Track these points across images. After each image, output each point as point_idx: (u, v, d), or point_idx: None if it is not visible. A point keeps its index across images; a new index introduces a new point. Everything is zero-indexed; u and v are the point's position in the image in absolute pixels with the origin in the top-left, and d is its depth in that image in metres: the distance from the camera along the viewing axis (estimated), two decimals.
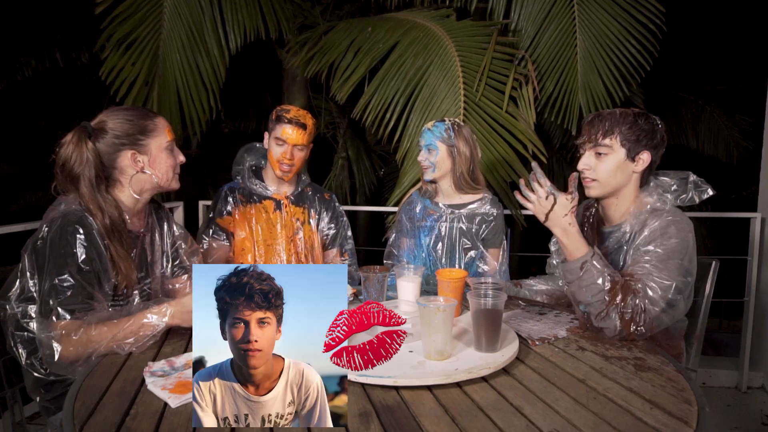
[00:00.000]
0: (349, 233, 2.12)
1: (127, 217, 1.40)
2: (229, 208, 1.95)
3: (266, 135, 1.98)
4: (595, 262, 1.29)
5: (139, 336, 1.21)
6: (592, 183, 1.45)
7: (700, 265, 1.49)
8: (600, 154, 1.43)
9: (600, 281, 1.27)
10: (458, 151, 1.92)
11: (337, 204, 2.10)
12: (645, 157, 1.42)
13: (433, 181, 2.00)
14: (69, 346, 1.17)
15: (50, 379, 1.31)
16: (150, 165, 1.40)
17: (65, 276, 1.23)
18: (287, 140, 1.88)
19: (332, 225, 2.06)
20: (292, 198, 2.01)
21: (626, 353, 1.21)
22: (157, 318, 1.23)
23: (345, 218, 2.11)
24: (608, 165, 1.42)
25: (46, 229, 1.26)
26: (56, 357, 1.17)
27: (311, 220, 2.02)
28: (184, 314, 1.25)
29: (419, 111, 2.94)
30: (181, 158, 1.48)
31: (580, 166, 1.46)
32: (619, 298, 1.26)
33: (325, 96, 4.45)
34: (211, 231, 1.94)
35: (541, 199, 1.33)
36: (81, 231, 1.26)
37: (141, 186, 1.42)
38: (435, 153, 1.93)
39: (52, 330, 1.19)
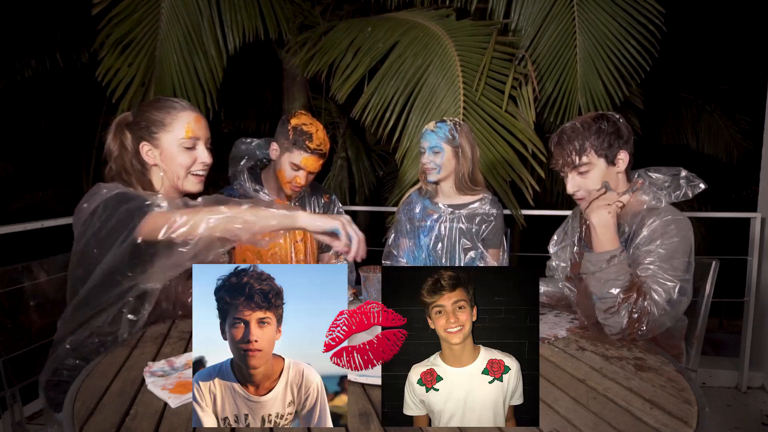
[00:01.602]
0: None
1: None
2: None
3: (276, 148, 1.86)
4: (623, 258, 1.31)
5: (261, 226, 1.11)
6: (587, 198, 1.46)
7: (700, 265, 1.49)
8: (582, 172, 1.44)
9: (622, 278, 1.29)
10: (462, 152, 1.91)
11: (337, 206, 2.07)
12: (623, 156, 1.43)
13: (435, 182, 2.00)
14: (179, 212, 1.11)
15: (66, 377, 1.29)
16: (162, 160, 1.37)
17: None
18: (306, 168, 1.84)
19: None
20: (295, 203, 1.96)
21: (626, 353, 1.22)
22: (281, 214, 1.14)
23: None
24: (594, 178, 1.43)
25: (102, 208, 1.20)
26: (165, 208, 1.14)
27: None
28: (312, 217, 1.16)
29: (419, 110, 2.94)
30: (204, 159, 1.40)
31: (570, 190, 1.47)
32: (632, 297, 1.27)
33: (325, 96, 4.44)
34: None
35: (593, 189, 1.43)
36: (136, 196, 1.23)
37: (163, 182, 1.38)
38: (441, 155, 1.91)
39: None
